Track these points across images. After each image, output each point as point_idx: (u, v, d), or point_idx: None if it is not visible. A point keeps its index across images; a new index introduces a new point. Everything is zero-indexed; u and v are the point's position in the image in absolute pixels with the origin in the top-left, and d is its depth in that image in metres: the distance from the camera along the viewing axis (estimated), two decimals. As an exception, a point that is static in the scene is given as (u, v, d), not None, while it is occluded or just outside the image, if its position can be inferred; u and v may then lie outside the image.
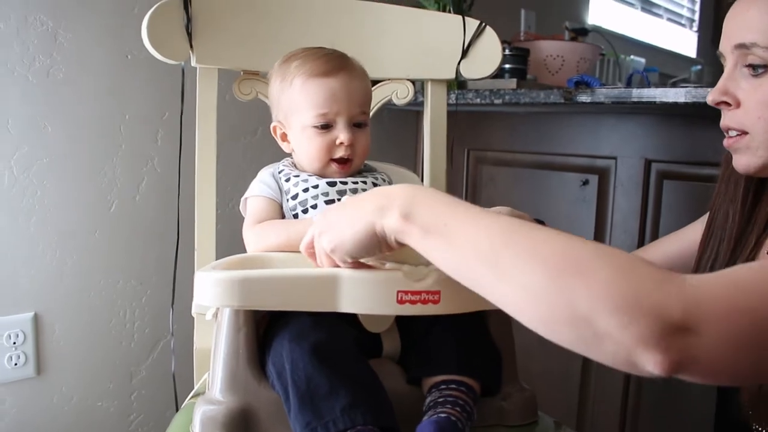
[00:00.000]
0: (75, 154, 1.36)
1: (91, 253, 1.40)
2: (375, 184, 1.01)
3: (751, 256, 0.88)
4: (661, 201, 1.53)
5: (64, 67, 1.32)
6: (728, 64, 0.83)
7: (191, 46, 1.08)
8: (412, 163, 1.98)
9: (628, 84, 1.87)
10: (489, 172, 1.87)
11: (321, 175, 0.99)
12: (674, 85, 2.68)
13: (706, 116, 1.20)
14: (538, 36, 2.10)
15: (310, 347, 0.74)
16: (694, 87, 1.28)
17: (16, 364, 1.32)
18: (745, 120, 0.81)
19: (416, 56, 1.22)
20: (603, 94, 1.38)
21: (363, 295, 0.65)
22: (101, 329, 1.44)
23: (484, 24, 1.22)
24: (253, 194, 0.99)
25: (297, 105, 0.96)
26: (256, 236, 0.94)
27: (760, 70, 0.78)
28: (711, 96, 0.84)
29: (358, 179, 1.00)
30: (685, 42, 3.43)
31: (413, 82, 1.24)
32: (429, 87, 1.25)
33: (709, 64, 2.95)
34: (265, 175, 1.01)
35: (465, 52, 1.23)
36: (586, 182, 1.65)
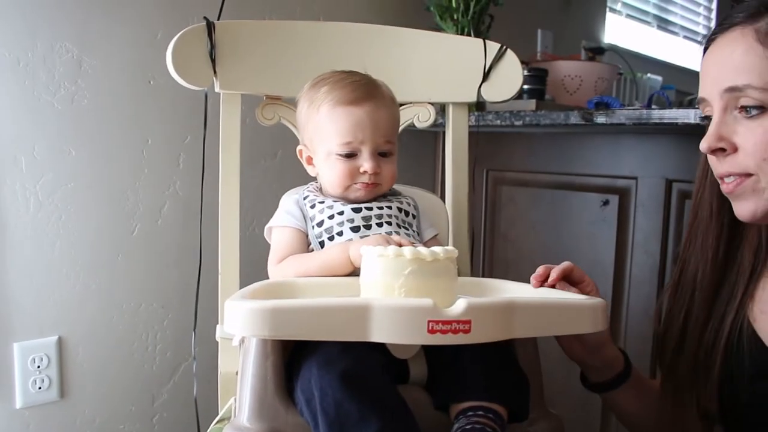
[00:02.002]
0: (98, 178, 1.37)
1: (114, 277, 1.41)
2: (400, 209, 1.01)
3: (740, 311, 0.85)
4: (682, 221, 1.51)
5: (89, 93, 1.34)
6: (716, 109, 0.78)
7: (215, 72, 1.08)
8: (431, 181, 1.98)
9: (649, 104, 1.87)
10: (508, 193, 1.87)
11: (346, 200, 0.99)
12: (691, 102, 2.68)
13: None
14: (555, 56, 2.11)
15: (339, 374, 0.74)
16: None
17: (40, 388, 1.33)
18: (747, 162, 0.76)
19: (438, 80, 1.22)
20: (624, 115, 1.37)
21: (393, 325, 0.65)
22: (124, 352, 1.44)
23: (505, 47, 1.22)
24: (278, 224, 0.99)
25: (322, 131, 0.97)
26: (280, 272, 0.94)
27: (755, 112, 0.75)
28: (706, 143, 0.79)
29: (383, 204, 1.00)
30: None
31: (434, 104, 1.24)
32: (450, 110, 1.25)
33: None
34: (289, 203, 1.02)
35: (486, 75, 1.23)
36: (606, 202, 1.64)
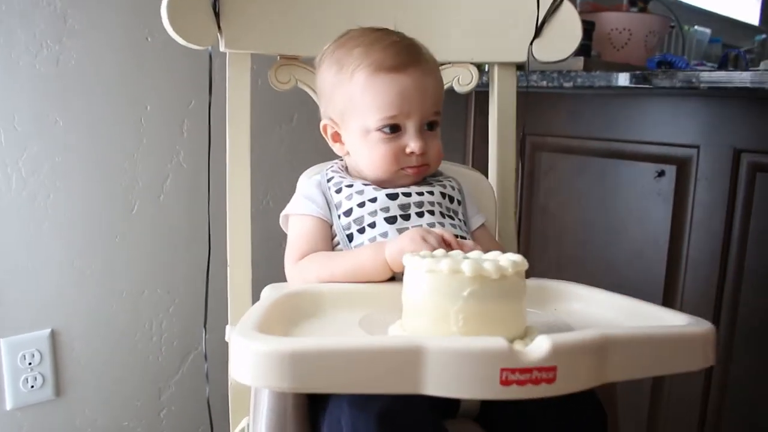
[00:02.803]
0: (91, 151, 1.21)
1: (112, 261, 1.25)
2: (444, 195, 0.84)
3: None
4: (752, 197, 1.34)
5: (76, 53, 1.16)
6: None
7: (219, 29, 0.94)
8: (459, 152, 1.80)
9: (722, 64, 1.66)
10: (549, 160, 1.69)
11: (380, 185, 0.82)
12: (736, 57, 2.45)
13: None
14: (599, 7, 1.89)
15: (376, 414, 0.60)
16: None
17: (32, 387, 1.19)
18: None
19: (482, 36, 1.06)
20: (697, 77, 1.18)
21: (454, 375, 0.49)
22: (125, 344, 1.30)
23: (562, -3, 1.03)
24: (297, 212, 0.83)
25: (358, 103, 0.80)
26: (300, 275, 0.78)
27: None
28: None
29: (423, 189, 0.83)
30: (746, 8, 3.16)
31: (477, 66, 1.06)
32: (496, 71, 1.08)
33: (772, 33, 2.70)
34: (309, 186, 0.85)
35: (539, 31, 1.05)
36: (661, 173, 1.47)
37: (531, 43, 1.05)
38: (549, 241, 1.69)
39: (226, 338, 0.95)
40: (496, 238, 1.02)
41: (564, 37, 1.06)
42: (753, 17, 3.20)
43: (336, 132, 0.85)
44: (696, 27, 2.38)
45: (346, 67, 0.80)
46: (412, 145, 0.79)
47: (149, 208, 1.28)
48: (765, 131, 1.30)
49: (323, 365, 0.48)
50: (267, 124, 1.41)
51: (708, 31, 2.42)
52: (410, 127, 0.80)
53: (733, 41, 2.71)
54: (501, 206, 1.07)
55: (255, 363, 0.49)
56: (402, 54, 0.79)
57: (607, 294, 0.76)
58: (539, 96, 1.62)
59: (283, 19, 0.97)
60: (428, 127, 0.82)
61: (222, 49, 0.95)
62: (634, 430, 1.51)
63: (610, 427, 0.69)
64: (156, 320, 1.32)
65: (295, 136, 1.44)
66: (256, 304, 0.64)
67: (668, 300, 1.46)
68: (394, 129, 0.80)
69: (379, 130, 0.79)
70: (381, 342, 0.50)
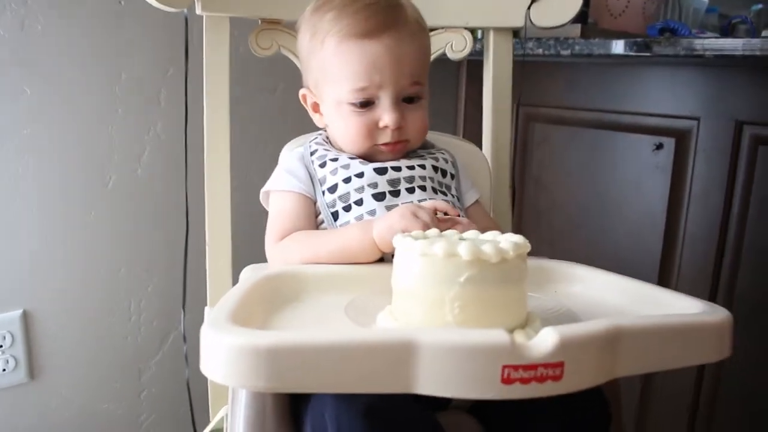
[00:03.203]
0: (62, 122, 1.14)
1: (86, 239, 1.20)
2: (436, 168, 0.79)
3: None
4: (754, 171, 1.29)
5: (43, 16, 1.09)
6: None
7: None
8: (450, 122, 1.74)
9: (726, 32, 1.60)
10: (542, 131, 1.63)
11: (366, 158, 0.77)
12: (734, 27, 2.39)
13: None
14: (595, -28, 1.82)
15: (362, 409, 0.56)
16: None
17: (4, 370, 1.14)
18: None
19: (477, 0, 0.98)
20: (702, 45, 1.13)
21: (451, 373, 0.44)
22: (103, 324, 1.24)
23: (563, -42, 0.97)
24: (278, 188, 0.77)
25: (329, 72, 0.74)
26: (282, 256, 0.72)
27: None
28: None
29: (414, 162, 0.77)
30: (743, -23, 3.09)
31: (472, 31, 1.00)
32: (491, 37, 1.02)
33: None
34: (291, 159, 0.79)
35: (537, -6, 0.99)
36: (659, 146, 1.42)
37: (529, 8, 0.99)
38: (541, 215, 1.64)
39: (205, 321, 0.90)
40: (491, 215, 0.97)
41: (563, 1, 0.99)
42: (749, -14, 3.13)
43: (315, 102, 0.79)
44: (693, -5, 2.32)
45: (318, 34, 0.74)
46: (386, 118, 0.73)
47: (125, 182, 1.22)
48: (768, 102, 1.25)
49: (303, 363, 0.43)
50: (249, 94, 1.34)
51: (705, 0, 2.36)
52: (384, 99, 0.74)
53: (729, 11, 2.65)
54: (495, 180, 1.01)
55: (227, 359, 0.44)
56: (373, 18, 0.72)
57: (610, 275, 0.71)
58: (533, 65, 1.55)
59: (263, -21, 0.91)
60: (407, 100, 0.75)
61: (198, 11, 0.89)
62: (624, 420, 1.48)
63: (614, 425, 0.65)
64: (134, 299, 1.27)
65: (279, 107, 1.38)
66: (234, 287, 0.59)
67: (664, 276, 1.42)
68: (367, 102, 0.74)
69: (350, 103, 0.74)
70: (368, 337, 0.45)
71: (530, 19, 1.00)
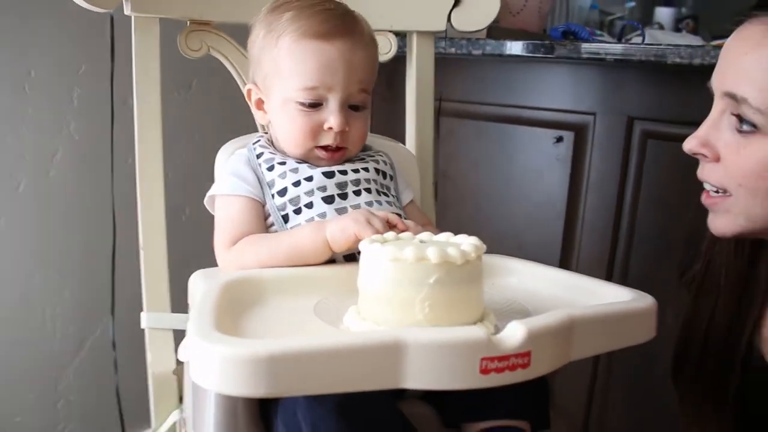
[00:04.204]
0: (-33, 122, 1.08)
1: (-4, 244, 1.14)
2: (378, 171, 0.83)
3: (754, 329, 0.79)
4: (643, 163, 1.41)
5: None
6: (715, 106, 0.72)
7: None
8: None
9: (620, 37, 1.73)
10: (448, 125, 1.69)
11: (310, 162, 0.79)
12: (612, 22, 2.58)
13: (699, 72, 1.09)
14: (493, -28, 1.91)
15: (334, 406, 0.59)
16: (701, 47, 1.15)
17: None
18: (726, 181, 0.71)
19: (401, 4, 1.04)
20: (604, 49, 1.22)
21: (436, 368, 0.48)
22: (15, 332, 1.19)
23: (482, -34, 1.03)
24: (226, 192, 0.77)
25: (281, 69, 0.76)
26: (237, 261, 0.73)
27: (747, 128, 0.67)
28: (688, 145, 0.73)
29: (359, 165, 0.81)
30: (617, -24, 3.31)
31: (396, 34, 1.04)
32: (415, 40, 1.06)
33: (640, 1, 2.86)
34: (236, 163, 0.80)
35: (457, 0, 1.04)
36: (559, 139, 1.51)
37: (450, 12, 1.04)
38: (449, 207, 1.70)
39: (143, 326, 0.90)
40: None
41: (482, 6, 1.05)
42: (623, -16, 3.36)
43: (260, 99, 0.80)
44: (575, -8, 2.47)
45: (274, 31, 0.76)
46: (332, 120, 0.76)
47: (37, 184, 1.17)
48: (657, 100, 1.37)
49: (303, 368, 0.45)
50: (163, 91, 1.31)
51: (589, -1, 2.52)
52: (332, 101, 0.76)
53: (607, 7, 2.84)
54: (421, 177, 1.06)
55: (225, 369, 0.45)
56: (331, 22, 0.75)
57: (540, 267, 0.77)
58: (437, 60, 1.62)
59: (193, -20, 0.90)
60: (353, 107, 0.78)
61: (127, 12, 0.87)
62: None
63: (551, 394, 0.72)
64: (49, 305, 1.22)
65: (194, 104, 1.36)
66: (204, 295, 0.60)
67: (565, 260, 1.52)
68: (315, 104, 0.76)
69: (298, 102, 0.76)
70: (361, 339, 0.48)
71: (451, 23, 1.05)
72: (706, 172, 0.73)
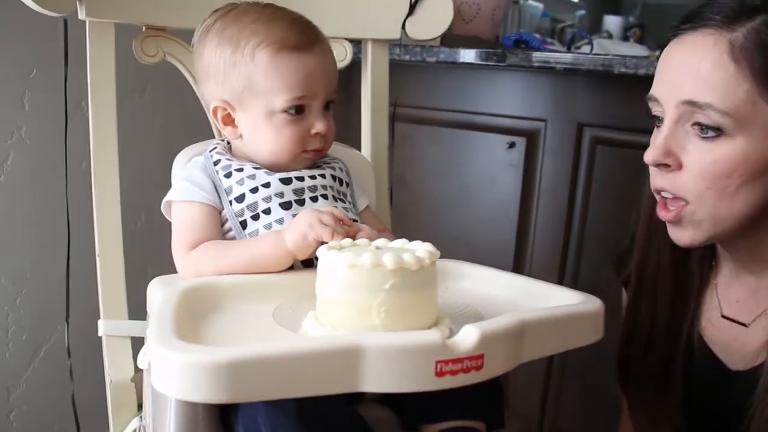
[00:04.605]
0: None
1: (-55, 251, 1.12)
2: (334, 177, 0.84)
3: (693, 321, 0.82)
4: (593, 168, 1.46)
5: None
6: (668, 117, 0.72)
7: None
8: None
9: (570, 45, 1.78)
10: (403, 130, 1.71)
11: (271, 168, 0.80)
12: (562, 30, 2.65)
13: (644, 81, 1.14)
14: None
15: (295, 411, 0.60)
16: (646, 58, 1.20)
17: None
18: (688, 187, 0.71)
19: (356, 13, 1.05)
20: (554, 58, 1.26)
21: (393, 371, 0.50)
22: (-35, 341, 1.17)
23: (436, -24, 1.05)
24: (183, 198, 0.78)
25: (261, 84, 0.77)
26: (195, 267, 0.74)
27: (711, 133, 0.69)
28: (651, 156, 0.72)
29: (315, 172, 0.82)
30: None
31: (351, 41, 1.06)
32: (369, 48, 1.08)
33: (590, 9, 2.94)
34: (193, 170, 0.80)
35: (412, 9, 1.06)
36: (512, 145, 1.55)
37: (404, 21, 1.06)
38: (405, 211, 1.72)
39: (100, 333, 0.89)
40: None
41: (437, 15, 1.08)
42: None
43: (228, 114, 0.80)
44: (530, 1, 2.53)
45: (243, 47, 0.76)
46: (318, 125, 0.78)
47: (-13, 190, 1.15)
48: (605, 107, 1.41)
49: (263, 373, 0.47)
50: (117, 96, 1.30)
51: (540, 5, 2.58)
52: (315, 107, 0.79)
53: (558, 14, 2.91)
54: (376, 182, 1.08)
55: (186, 376, 0.46)
56: (306, 33, 0.78)
57: (492, 271, 0.80)
58: (392, 66, 1.64)
59: (148, -14, 0.90)
60: (325, 106, 0.81)
61: (81, 17, 0.87)
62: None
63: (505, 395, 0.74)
64: (1, 313, 1.20)
65: (149, 109, 1.35)
66: (163, 302, 0.60)
67: (519, 263, 1.55)
68: (299, 110, 0.78)
69: (285, 111, 0.77)
70: (321, 344, 0.49)
71: (405, 32, 1.07)
72: (667, 181, 0.73)
